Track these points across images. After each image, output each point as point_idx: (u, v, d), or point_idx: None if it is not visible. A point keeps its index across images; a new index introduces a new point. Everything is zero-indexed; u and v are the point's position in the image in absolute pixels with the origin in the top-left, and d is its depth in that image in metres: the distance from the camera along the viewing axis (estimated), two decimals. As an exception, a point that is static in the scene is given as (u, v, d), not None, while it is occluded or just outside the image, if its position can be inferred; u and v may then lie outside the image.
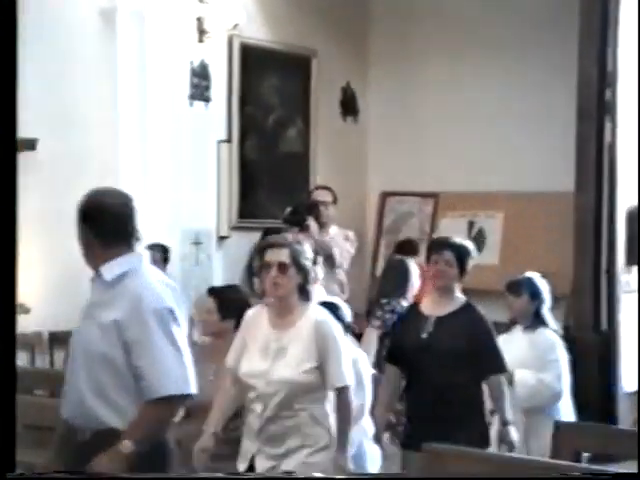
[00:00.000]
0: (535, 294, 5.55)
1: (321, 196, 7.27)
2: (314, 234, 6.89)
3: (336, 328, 3.91)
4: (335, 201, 7.28)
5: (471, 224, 8.54)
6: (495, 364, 4.54)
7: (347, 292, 7.06)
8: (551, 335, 5.46)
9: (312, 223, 6.91)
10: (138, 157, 7.15)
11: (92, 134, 6.92)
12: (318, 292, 6.06)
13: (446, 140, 8.61)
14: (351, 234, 7.17)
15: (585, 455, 4.70)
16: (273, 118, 8.49)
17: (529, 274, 5.58)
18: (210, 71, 7.65)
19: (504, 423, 4.49)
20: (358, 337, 6.15)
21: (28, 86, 6.43)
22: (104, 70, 7.01)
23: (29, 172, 6.52)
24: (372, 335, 5.81)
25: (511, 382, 5.06)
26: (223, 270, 7.78)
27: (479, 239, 8.43)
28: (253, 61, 8.12)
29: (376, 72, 9.07)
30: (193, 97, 7.54)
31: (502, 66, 8.36)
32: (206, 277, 7.40)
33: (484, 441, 4.44)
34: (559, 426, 4.50)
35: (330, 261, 6.60)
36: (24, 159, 6.50)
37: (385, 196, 9.08)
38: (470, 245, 4.74)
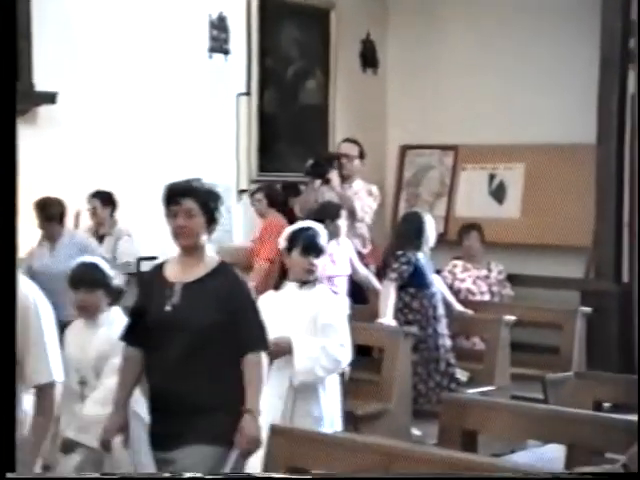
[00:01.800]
0: None
1: (346, 149, 7.24)
2: (336, 187, 6.88)
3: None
4: (362, 155, 7.25)
5: (492, 177, 8.51)
6: (252, 340, 3.53)
7: (369, 246, 7.07)
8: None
9: (334, 176, 6.90)
10: (157, 111, 7.15)
11: (111, 88, 6.92)
12: (344, 243, 6.13)
13: (466, 92, 8.54)
14: (374, 189, 7.15)
15: (606, 405, 4.73)
16: (292, 70, 8.45)
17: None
18: (229, 23, 7.62)
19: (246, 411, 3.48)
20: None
21: (48, 39, 6.44)
22: (124, 24, 6.99)
23: (48, 126, 6.54)
24: (389, 287, 5.81)
25: None
26: (243, 223, 7.80)
27: (500, 192, 8.42)
28: (272, 13, 8.07)
29: (395, 24, 8.99)
30: (212, 50, 7.51)
31: (523, 18, 8.26)
32: (227, 230, 7.43)
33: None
34: (579, 376, 4.53)
35: (351, 215, 6.61)
36: (45, 112, 6.54)
37: (405, 149, 9.05)
38: (215, 187, 3.67)
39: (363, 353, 5.91)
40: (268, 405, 3.84)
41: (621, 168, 7.16)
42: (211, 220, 3.55)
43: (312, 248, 4.33)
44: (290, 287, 4.37)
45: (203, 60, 7.46)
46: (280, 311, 4.26)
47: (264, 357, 3.55)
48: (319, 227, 4.50)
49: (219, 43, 7.52)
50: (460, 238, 7.21)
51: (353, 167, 7.14)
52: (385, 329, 5.61)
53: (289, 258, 4.36)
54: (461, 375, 5.87)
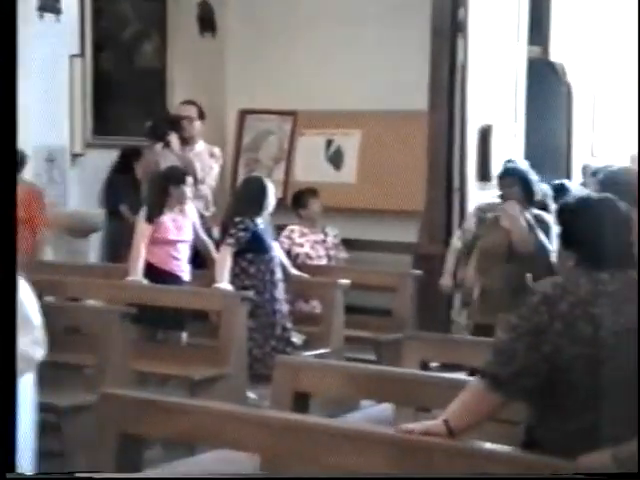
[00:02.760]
0: None
1: (185, 111, 7.18)
2: (175, 149, 6.84)
3: None
4: (202, 116, 7.21)
5: (329, 142, 8.62)
6: None
7: (211, 208, 7.06)
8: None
9: (173, 138, 6.85)
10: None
11: None
12: (189, 209, 6.11)
13: (304, 58, 8.61)
14: (217, 150, 7.14)
15: (433, 365, 4.92)
16: (129, 33, 8.30)
17: None
18: (60, -19, 7.39)
19: None
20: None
21: None
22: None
23: None
24: (226, 253, 5.85)
25: None
26: (79, 188, 7.64)
27: (337, 157, 8.55)
28: (107, -28, 7.90)
29: (234, -13, 8.95)
30: (42, 9, 7.27)
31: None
32: (60, 195, 7.26)
33: None
34: (408, 337, 4.67)
35: (192, 177, 6.59)
36: None
37: (244, 114, 9.05)
38: None
39: (200, 318, 5.94)
40: None
41: (451, 135, 7.39)
42: None
43: None
44: None
45: (33, 19, 7.21)
46: None
47: None
48: None
49: (50, 2, 7.30)
50: (298, 203, 7.29)
51: (194, 129, 7.10)
52: (222, 294, 5.64)
53: None
54: (297, 339, 5.97)
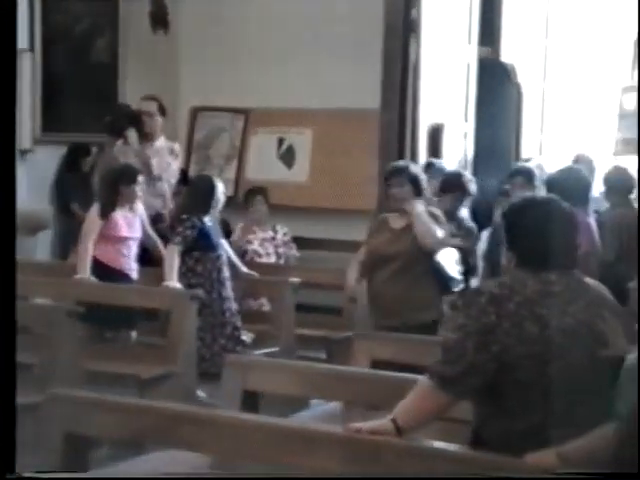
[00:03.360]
0: None
1: (145, 106, 7.14)
2: (134, 144, 6.80)
3: None
4: (163, 112, 7.17)
5: (281, 140, 8.62)
6: None
7: (170, 206, 7.02)
8: None
9: (132, 133, 6.81)
10: None
11: None
12: (138, 207, 6.07)
13: (257, 56, 8.59)
14: (176, 147, 7.11)
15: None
16: (81, 28, 8.22)
17: None
18: (10, -25, 7.29)
19: None
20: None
21: None
22: None
23: None
24: (173, 251, 5.82)
25: None
26: (27, 185, 7.55)
27: (288, 156, 8.54)
28: (57, -33, 7.82)
29: (187, -16, 8.91)
30: (-10, 3, 7.17)
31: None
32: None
33: None
34: (358, 336, 4.68)
35: (148, 173, 6.57)
36: None
37: (196, 111, 9.01)
38: None
39: (151, 316, 5.91)
40: None
41: (403, 134, 7.44)
42: None
43: None
44: None
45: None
46: None
47: None
48: None
49: (-2, -4, 7.20)
50: (247, 201, 7.28)
51: (154, 124, 7.06)
52: (170, 292, 5.61)
53: None
54: (247, 337, 5.97)
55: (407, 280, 5.14)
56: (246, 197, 7.30)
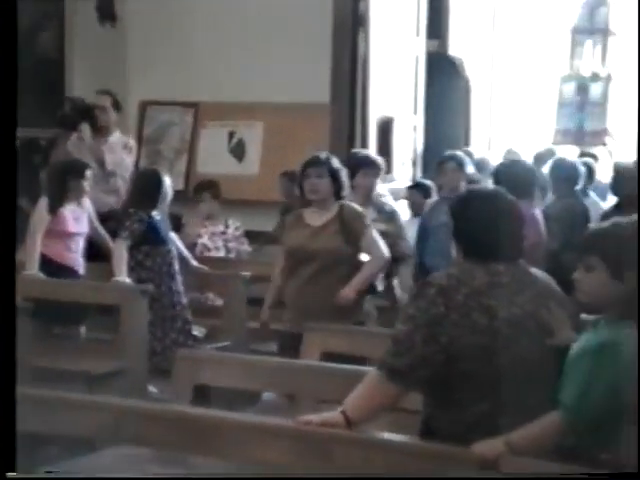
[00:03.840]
0: None
1: (99, 100, 7.08)
2: (86, 139, 6.74)
3: None
4: (117, 107, 7.11)
5: (231, 134, 8.59)
6: None
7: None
8: None
9: (85, 128, 6.75)
10: None
11: None
12: (85, 202, 6.02)
13: (206, 49, 8.55)
14: (131, 142, 7.07)
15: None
16: (25, 21, 8.11)
17: None
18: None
19: None
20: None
21: None
22: None
23: None
24: (121, 246, 5.78)
25: None
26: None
27: (239, 149, 8.52)
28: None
29: (134, -24, 8.83)
30: None
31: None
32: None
33: None
34: (309, 329, 4.69)
35: (102, 168, 6.51)
36: None
37: (145, 105, 8.95)
38: None
39: (103, 312, 5.87)
40: None
41: (353, 127, 7.46)
42: None
43: None
44: None
45: None
46: None
47: None
48: None
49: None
50: (197, 195, 7.26)
51: (108, 119, 7.00)
52: (120, 288, 5.58)
53: None
54: (198, 332, 5.95)
55: (328, 281, 4.82)
56: (196, 191, 7.28)
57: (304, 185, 4.98)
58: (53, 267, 5.81)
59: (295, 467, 2.86)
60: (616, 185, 5.89)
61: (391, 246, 5.26)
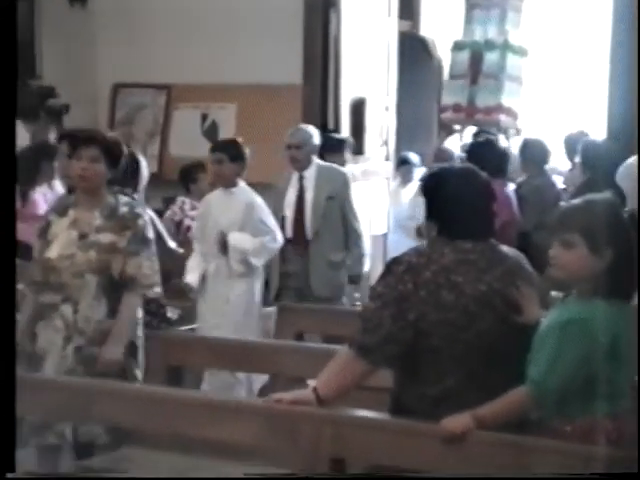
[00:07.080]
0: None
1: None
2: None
3: None
4: None
5: (204, 116, 8.55)
6: None
7: None
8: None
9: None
10: None
11: None
12: (58, 185, 5.99)
13: (179, 31, 8.50)
14: None
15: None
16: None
17: None
18: None
19: None
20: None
21: None
22: None
23: None
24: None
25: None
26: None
27: (212, 131, 8.48)
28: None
29: (105, -44, 8.75)
30: None
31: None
32: None
33: None
34: (283, 308, 4.72)
35: None
36: None
37: (117, 87, 8.89)
38: None
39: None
40: None
41: (325, 108, 7.45)
42: None
43: None
44: None
45: None
46: None
47: None
48: None
49: None
50: (186, 177, 7.24)
51: None
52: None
53: None
54: (172, 314, 5.93)
55: None
56: (186, 173, 7.26)
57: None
58: (25, 251, 5.76)
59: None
60: (586, 161, 5.90)
61: None
